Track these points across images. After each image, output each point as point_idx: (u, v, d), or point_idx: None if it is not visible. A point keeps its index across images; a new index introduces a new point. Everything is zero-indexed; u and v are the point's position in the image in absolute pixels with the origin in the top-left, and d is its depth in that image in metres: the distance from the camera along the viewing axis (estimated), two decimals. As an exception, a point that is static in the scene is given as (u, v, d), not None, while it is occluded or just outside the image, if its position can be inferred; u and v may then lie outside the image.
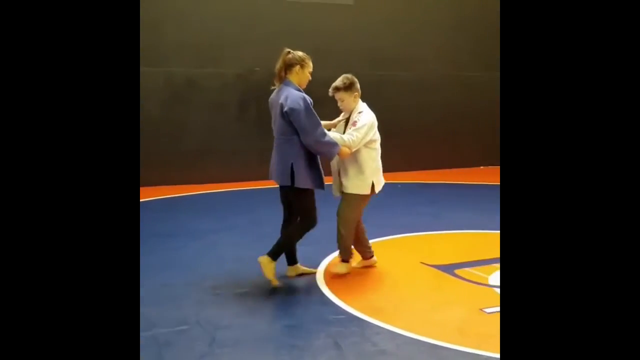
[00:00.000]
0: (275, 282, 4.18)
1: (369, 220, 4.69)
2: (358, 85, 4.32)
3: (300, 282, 4.35)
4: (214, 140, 8.69)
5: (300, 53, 4.13)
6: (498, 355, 3.14)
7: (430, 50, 9.34)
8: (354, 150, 4.17)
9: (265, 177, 4.41)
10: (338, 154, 4.09)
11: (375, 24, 8.98)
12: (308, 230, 4.17)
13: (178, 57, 8.38)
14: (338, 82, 4.29)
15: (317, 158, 4.15)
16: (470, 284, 4.32)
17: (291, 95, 3.96)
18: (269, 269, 4.12)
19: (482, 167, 9.77)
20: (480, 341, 3.31)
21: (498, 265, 4.67)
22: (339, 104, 4.34)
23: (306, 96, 4.02)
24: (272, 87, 4.19)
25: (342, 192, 4.39)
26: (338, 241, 4.42)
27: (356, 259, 4.66)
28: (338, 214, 4.35)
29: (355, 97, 4.31)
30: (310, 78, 4.19)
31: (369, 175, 4.29)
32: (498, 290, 4.17)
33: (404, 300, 3.98)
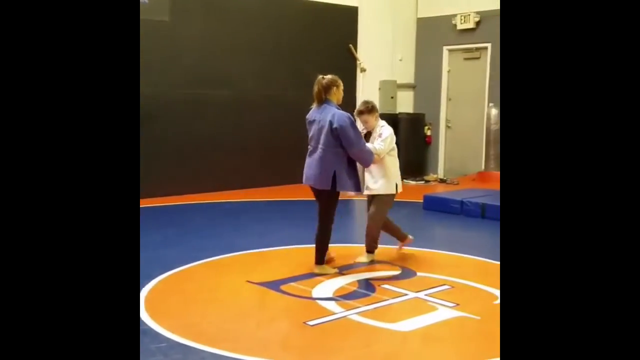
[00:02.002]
0: (335, 270, 4.94)
1: (192, 242, 4.58)
2: (377, 106, 5.32)
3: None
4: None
5: (331, 76, 4.95)
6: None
7: (249, 69, 9.45)
8: (381, 157, 5.05)
9: None
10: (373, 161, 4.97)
11: (193, 41, 8.89)
12: (329, 226, 4.89)
13: None
14: (361, 106, 5.23)
15: (356, 166, 4.91)
16: (295, 298, 4.39)
17: (337, 113, 4.72)
18: (326, 269, 4.91)
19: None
20: (302, 354, 3.37)
21: (321, 279, 4.80)
22: (363, 124, 5.22)
23: (348, 114, 4.76)
24: (310, 107, 4.99)
25: (371, 195, 5.27)
26: (367, 235, 5.32)
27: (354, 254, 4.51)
28: (370, 213, 5.26)
29: (376, 117, 5.22)
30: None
31: (392, 177, 5.21)
32: (321, 302, 4.29)
33: (229, 320, 3.93)
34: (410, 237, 5.62)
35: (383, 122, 5.26)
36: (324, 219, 4.92)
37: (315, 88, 4.88)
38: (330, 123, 4.69)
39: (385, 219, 5.37)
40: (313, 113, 4.93)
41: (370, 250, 5.42)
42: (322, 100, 4.85)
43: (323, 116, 4.78)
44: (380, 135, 5.12)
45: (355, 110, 5.25)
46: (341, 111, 4.77)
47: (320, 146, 4.81)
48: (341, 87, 4.96)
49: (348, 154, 4.76)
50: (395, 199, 5.38)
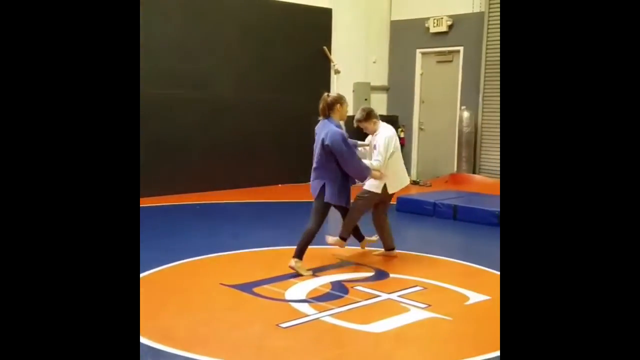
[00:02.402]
0: (309, 272, 5.00)
1: (164, 244, 4.53)
2: (375, 112, 5.46)
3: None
4: None
5: (336, 94, 5.22)
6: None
7: (223, 71, 9.41)
8: (383, 170, 5.20)
9: None
10: (373, 176, 5.17)
11: (169, 42, 8.81)
12: (314, 228, 5.04)
13: None
14: (358, 115, 5.41)
15: (348, 182, 5.12)
16: (268, 300, 4.38)
17: (331, 131, 4.91)
18: (301, 269, 4.97)
19: (279, 185, 10.05)
20: (275, 356, 3.36)
21: (294, 280, 4.80)
22: (364, 130, 5.44)
23: (343, 132, 4.98)
24: (318, 118, 5.16)
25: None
26: (345, 222, 5.40)
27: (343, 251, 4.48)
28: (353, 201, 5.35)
29: (374, 122, 5.38)
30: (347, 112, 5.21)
31: (383, 178, 5.26)
32: (294, 304, 4.29)
33: (201, 323, 3.90)
34: (395, 252, 5.64)
35: (382, 127, 5.38)
36: (312, 221, 5.08)
37: (320, 105, 5.13)
38: (323, 140, 4.92)
39: (362, 215, 5.47)
40: (317, 127, 5.19)
41: (343, 237, 5.48)
42: (326, 116, 5.11)
43: (320, 132, 5.06)
44: (375, 147, 5.29)
45: (354, 120, 5.47)
46: (335, 129, 4.98)
47: (315, 160, 5.11)
48: (345, 105, 5.19)
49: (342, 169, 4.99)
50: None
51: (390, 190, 5.37)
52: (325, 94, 5.21)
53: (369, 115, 5.40)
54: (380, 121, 5.46)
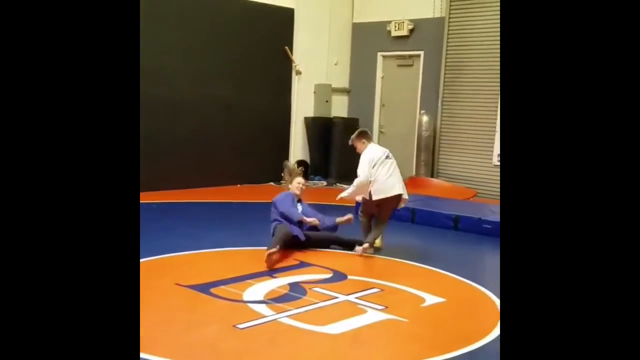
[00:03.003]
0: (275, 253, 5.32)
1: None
2: (366, 134, 5.98)
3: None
4: None
5: (295, 171, 6.19)
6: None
7: (182, 69, 9.30)
8: (366, 186, 5.73)
9: None
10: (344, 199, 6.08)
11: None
12: (282, 231, 5.62)
13: None
14: (353, 135, 6.00)
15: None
16: (226, 301, 4.35)
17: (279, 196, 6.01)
18: (271, 253, 5.26)
19: (238, 185, 9.99)
20: (231, 357, 3.34)
21: (252, 281, 4.78)
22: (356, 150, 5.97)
23: (286, 192, 6.09)
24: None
25: None
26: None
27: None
28: None
29: (363, 143, 5.89)
30: None
31: (366, 189, 5.81)
32: (251, 305, 4.27)
33: (157, 324, 3.84)
34: (364, 246, 5.87)
35: (368, 148, 5.87)
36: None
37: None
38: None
39: (363, 218, 6.05)
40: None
41: (363, 242, 5.91)
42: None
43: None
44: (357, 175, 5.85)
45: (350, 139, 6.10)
46: (282, 193, 6.05)
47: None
48: (295, 180, 5.98)
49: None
50: (338, 203, 6.21)
51: (373, 198, 5.75)
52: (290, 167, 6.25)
53: (359, 134, 5.97)
54: (372, 143, 5.94)
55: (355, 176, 5.81)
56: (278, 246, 5.30)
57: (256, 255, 5.39)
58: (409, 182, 10.57)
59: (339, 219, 6.06)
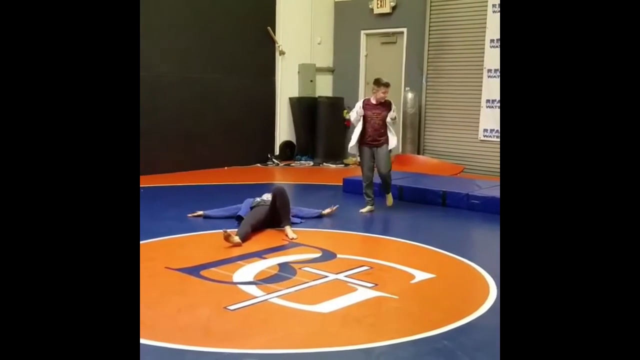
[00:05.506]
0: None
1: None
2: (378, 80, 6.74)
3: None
4: None
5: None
6: (241, 350, 3.22)
7: (164, 50, 9.19)
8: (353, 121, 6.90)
9: None
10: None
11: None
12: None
13: None
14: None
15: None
16: (216, 283, 4.35)
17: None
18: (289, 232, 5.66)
19: (226, 168, 9.94)
20: (223, 339, 3.35)
21: (242, 263, 4.78)
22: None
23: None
24: None
25: None
26: None
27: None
28: None
29: (374, 90, 6.73)
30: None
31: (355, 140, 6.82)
32: (241, 286, 4.27)
33: (147, 307, 3.82)
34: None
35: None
36: None
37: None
38: None
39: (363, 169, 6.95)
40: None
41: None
42: None
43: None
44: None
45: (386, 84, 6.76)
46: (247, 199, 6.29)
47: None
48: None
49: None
50: (320, 183, 6.30)
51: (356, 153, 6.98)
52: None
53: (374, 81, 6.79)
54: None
55: (342, 157, 5.86)
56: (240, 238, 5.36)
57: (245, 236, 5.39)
58: (396, 159, 10.61)
59: (324, 211, 6.17)
